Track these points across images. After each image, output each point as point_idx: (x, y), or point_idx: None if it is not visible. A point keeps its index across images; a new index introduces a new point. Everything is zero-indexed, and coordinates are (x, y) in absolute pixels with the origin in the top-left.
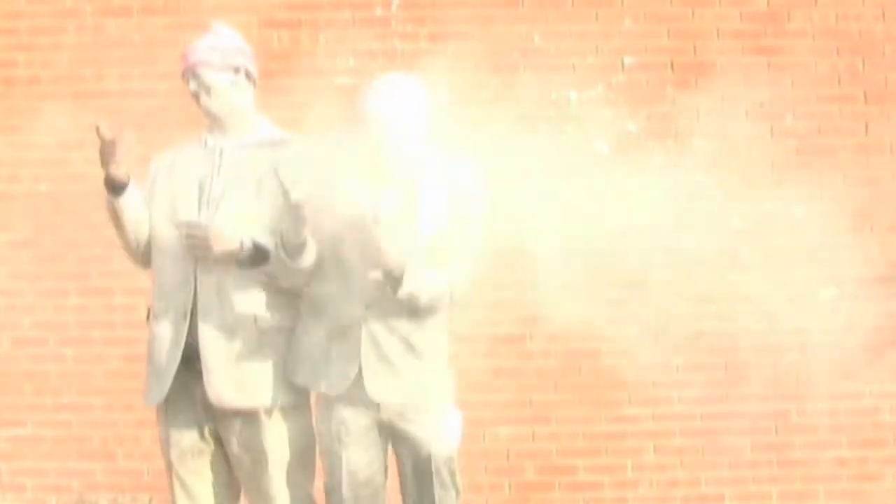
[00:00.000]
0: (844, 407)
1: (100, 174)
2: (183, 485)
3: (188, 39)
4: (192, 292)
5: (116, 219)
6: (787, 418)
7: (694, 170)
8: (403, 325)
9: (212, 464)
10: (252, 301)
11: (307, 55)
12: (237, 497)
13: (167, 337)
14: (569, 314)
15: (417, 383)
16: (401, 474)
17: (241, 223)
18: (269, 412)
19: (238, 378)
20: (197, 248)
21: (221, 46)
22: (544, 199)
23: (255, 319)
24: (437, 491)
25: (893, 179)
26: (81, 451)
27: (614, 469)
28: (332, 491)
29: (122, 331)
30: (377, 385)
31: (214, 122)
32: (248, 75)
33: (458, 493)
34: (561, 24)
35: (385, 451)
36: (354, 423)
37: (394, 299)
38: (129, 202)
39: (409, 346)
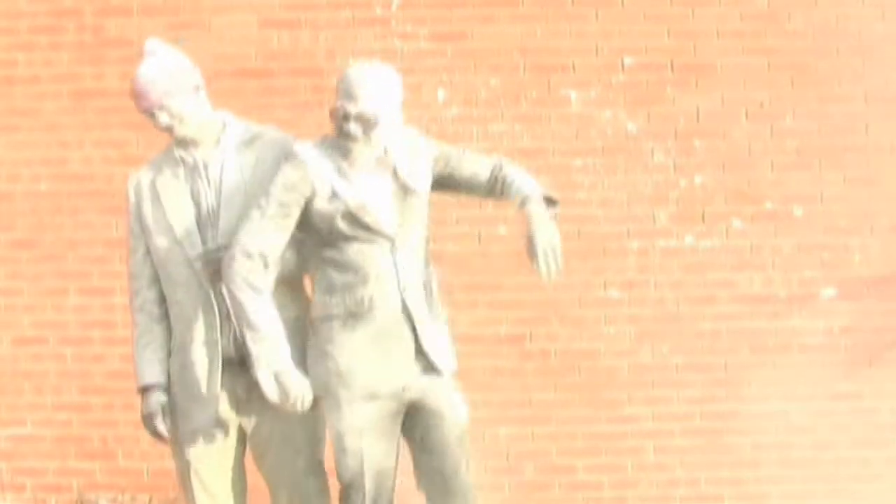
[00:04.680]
0: (844, 407)
1: (99, 174)
2: (202, 482)
3: (188, 39)
4: (216, 311)
5: None
6: (787, 418)
7: (693, 170)
8: (427, 294)
9: (227, 459)
10: (277, 300)
11: (307, 55)
12: (246, 490)
13: (201, 363)
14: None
15: (450, 344)
16: (419, 458)
17: None
18: None
19: None
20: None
21: (177, 70)
22: None
23: (284, 317)
24: (462, 461)
25: (893, 179)
26: (81, 451)
27: (614, 469)
28: (353, 486)
29: (122, 331)
30: (440, 358)
31: (187, 141)
32: (201, 87)
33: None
34: (561, 23)
35: (398, 437)
36: (378, 415)
37: (417, 274)
38: None
39: (434, 312)
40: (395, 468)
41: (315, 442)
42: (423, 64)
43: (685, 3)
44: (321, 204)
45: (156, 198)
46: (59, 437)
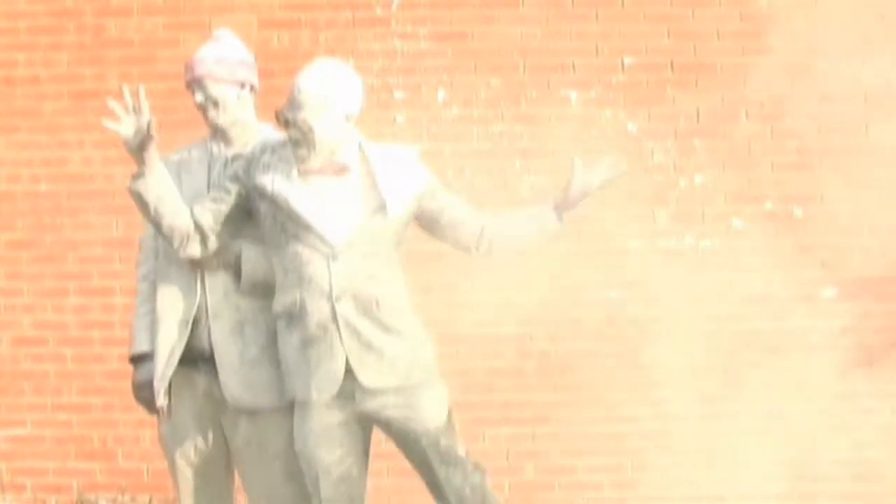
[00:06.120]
0: (844, 407)
1: (99, 174)
2: (187, 481)
3: (188, 39)
4: (197, 298)
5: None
6: (788, 418)
7: (693, 170)
8: (372, 308)
9: (213, 460)
10: (257, 301)
11: (307, 55)
12: (233, 492)
13: (167, 342)
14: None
15: (405, 361)
16: (419, 472)
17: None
18: (275, 410)
19: (250, 378)
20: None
21: (228, 59)
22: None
23: (263, 319)
24: (440, 469)
25: (893, 179)
26: (81, 451)
27: (614, 469)
28: (311, 493)
29: (122, 331)
30: (370, 375)
31: (218, 132)
32: (251, 88)
33: (473, 468)
34: (561, 24)
35: (363, 443)
36: (326, 421)
37: (357, 285)
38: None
39: (385, 327)
40: (358, 477)
41: (292, 447)
42: (423, 64)
43: (685, 3)
44: (266, 199)
45: (177, 177)
46: (59, 438)
